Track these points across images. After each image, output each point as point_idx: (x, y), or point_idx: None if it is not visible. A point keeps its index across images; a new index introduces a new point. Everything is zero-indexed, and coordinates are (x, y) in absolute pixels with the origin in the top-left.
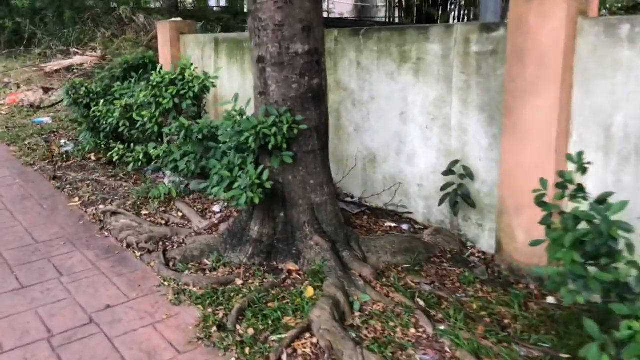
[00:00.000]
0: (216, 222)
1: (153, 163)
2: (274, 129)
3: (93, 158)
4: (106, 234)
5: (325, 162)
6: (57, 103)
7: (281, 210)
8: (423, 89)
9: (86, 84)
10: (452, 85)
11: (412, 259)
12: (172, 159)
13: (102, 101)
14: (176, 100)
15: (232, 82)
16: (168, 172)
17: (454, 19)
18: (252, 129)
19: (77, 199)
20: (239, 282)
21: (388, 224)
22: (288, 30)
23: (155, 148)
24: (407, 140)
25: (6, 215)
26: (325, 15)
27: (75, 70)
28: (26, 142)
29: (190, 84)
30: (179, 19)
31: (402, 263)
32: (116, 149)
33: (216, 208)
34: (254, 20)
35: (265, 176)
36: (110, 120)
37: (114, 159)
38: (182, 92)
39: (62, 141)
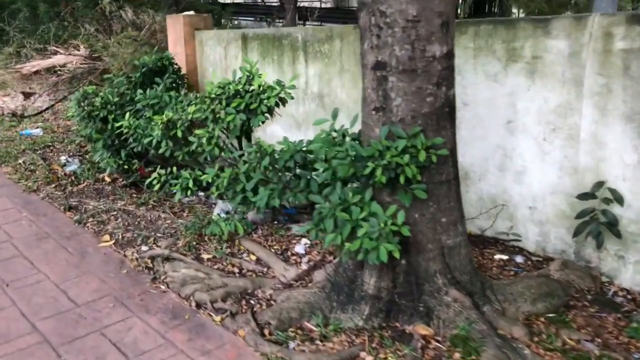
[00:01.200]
0: (306, 268)
1: (215, 195)
2: (406, 157)
3: (107, 179)
4: (163, 287)
5: (458, 193)
6: (44, 110)
7: (402, 256)
8: (540, 94)
9: (101, 93)
10: (583, 90)
11: (551, 304)
12: (240, 189)
13: (127, 114)
14: (242, 116)
15: None
16: (219, 201)
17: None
18: (379, 157)
19: (107, 237)
20: (367, 357)
21: (498, 256)
22: (425, 27)
23: (217, 176)
24: (515, 154)
25: (25, 266)
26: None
27: (58, 72)
28: (20, 161)
29: (262, 96)
30: (192, 12)
31: (543, 311)
32: (156, 175)
33: (299, 249)
34: (371, 15)
35: (400, 219)
36: (148, 139)
37: (155, 187)
38: (253, 106)
39: (63, 158)
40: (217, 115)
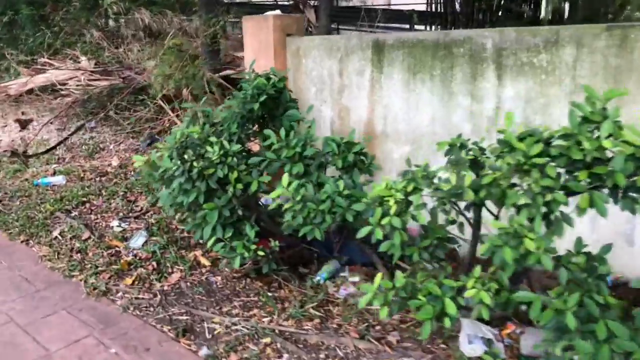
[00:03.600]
0: None
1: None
2: None
3: (205, 262)
4: None
5: None
6: (55, 146)
7: None
8: None
9: (211, 138)
10: None
11: None
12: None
13: (285, 177)
14: (604, 197)
15: (418, 115)
16: (465, 322)
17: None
18: None
19: None
20: None
21: None
22: None
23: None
24: None
25: None
26: None
27: (61, 91)
28: (55, 234)
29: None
30: (277, 11)
31: None
32: (373, 290)
33: None
34: None
35: None
36: (366, 230)
37: (383, 313)
38: None
39: (115, 223)
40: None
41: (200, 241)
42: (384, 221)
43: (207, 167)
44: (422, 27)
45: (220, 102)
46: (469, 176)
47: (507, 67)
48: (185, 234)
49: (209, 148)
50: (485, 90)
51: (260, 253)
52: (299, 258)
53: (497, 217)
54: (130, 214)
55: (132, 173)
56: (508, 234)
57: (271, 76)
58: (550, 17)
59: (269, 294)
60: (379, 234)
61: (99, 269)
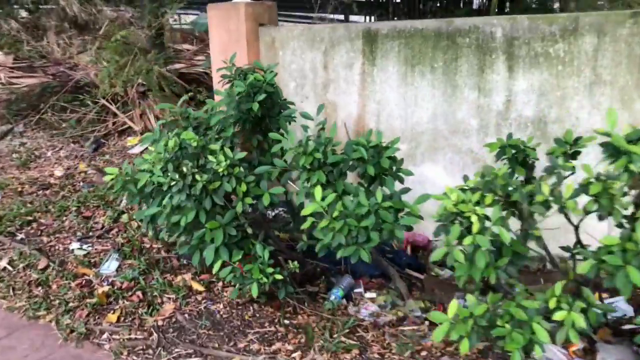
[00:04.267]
0: None
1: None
2: None
3: (199, 288)
4: None
5: None
6: None
7: None
8: None
9: (212, 146)
10: None
11: None
12: None
13: (318, 190)
14: None
15: (417, 111)
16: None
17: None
18: None
19: None
20: None
21: None
22: None
23: None
24: None
25: None
26: None
27: None
28: (2, 264)
29: None
30: None
31: None
32: (451, 314)
33: None
34: None
35: None
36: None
37: (464, 348)
38: None
39: (75, 246)
40: None
41: (185, 262)
42: (466, 241)
43: (213, 180)
44: (360, 18)
45: (176, 101)
46: (570, 186)
47: (519, 58)
48: (165, 254)
49: (211, 158)
50: (495, 82)
51: (278, 277)
52: (304, 275)
53: (576, 226)
54: (91, 233)
55: (82, 184)
56: (628, 251)
57: (257, 71)
58: (492, 4)
59: (286, 321)
60: (458, 255)
61: (71, 305)
